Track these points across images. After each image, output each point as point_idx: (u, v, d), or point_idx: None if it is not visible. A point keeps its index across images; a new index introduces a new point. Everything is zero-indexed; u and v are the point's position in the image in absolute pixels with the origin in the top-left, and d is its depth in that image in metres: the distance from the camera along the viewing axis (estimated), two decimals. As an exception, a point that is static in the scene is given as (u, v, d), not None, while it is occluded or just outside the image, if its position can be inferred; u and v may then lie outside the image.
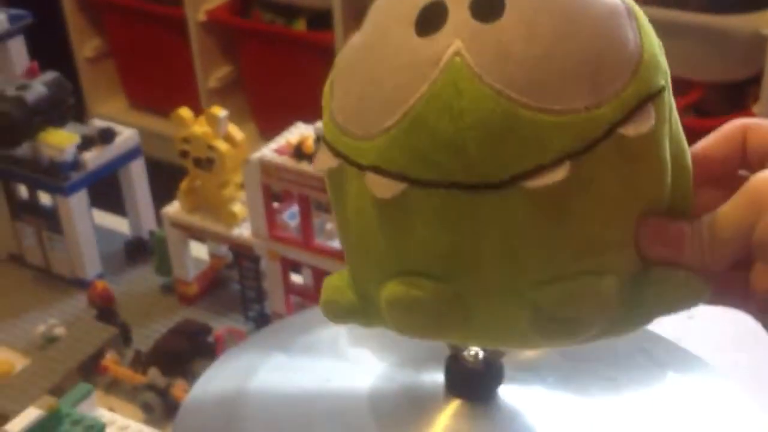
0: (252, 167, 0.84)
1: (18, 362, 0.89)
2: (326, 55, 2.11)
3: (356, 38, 0.36)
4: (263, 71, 2.31)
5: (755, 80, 1.63)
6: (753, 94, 1.66)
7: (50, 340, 0.91)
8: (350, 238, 0.37)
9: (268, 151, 0.83)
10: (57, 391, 0.84)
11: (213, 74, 2.34)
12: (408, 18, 0.33)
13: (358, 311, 0.38)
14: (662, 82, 0.34)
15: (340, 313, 0.38)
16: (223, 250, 0.98)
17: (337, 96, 0.36)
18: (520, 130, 0.31)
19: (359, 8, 2.05)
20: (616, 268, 0.34)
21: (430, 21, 0.33)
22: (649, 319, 0.36)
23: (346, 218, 0.36)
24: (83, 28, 2.50)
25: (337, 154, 0.35)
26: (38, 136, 0.93)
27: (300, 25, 2.19)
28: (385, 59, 0.33)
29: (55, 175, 0.93)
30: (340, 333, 0.49)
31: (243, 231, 0.89)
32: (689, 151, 0.36)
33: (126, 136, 0.98)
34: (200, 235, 0.95)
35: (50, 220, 0.98)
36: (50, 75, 0.96)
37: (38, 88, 0.93)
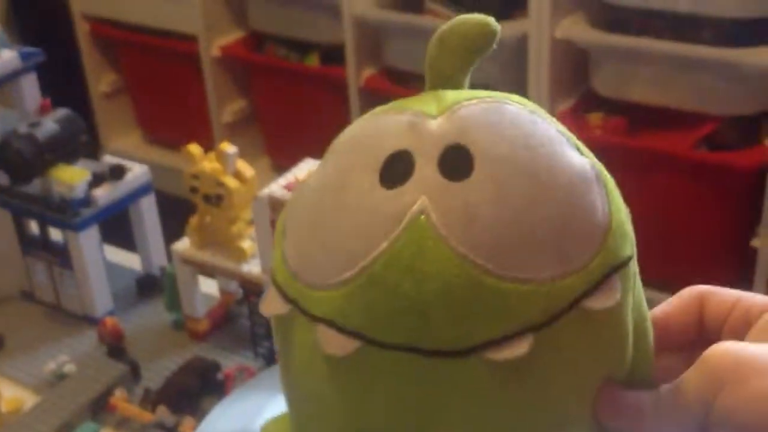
0: (261, 204, 0.83)
1: (28, 399, 0.89)
2: (339, 90, 2.12)
3: (314, 178, 0.34)
4: (277, 106, 2.32)
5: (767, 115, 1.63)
6: (766, 129, 1.65)
7: (60, 377, 0.91)
8: (296, 391, 0.35)
9: (277, 187, 0.83)
10: (66, 428, 0.84)
11: (227, 109, 2.36)
12: (373, 165, 0.32)
13: None
14: (629, 252, 0.33)
15: None
16: (233, 286, 0.98)
17: (291, 238, 0.34)
18: (485, 298, 0.30)
19: (372, 44, 2.06)
20: None
21: (395, 172, 0.31)
22: None
23: (293, 368, 0.34)
24: (98, 64, 2.53)
25: (287, 299, 0.33)
26: (49, 172, 0.94)
27: (313, 61, 2.20)
28: (345, 207, 0.32)
29: (66, 211, 0.93)
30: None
31: (252, 267, 0.89)
32: (650, 317, 0.35)
33: (137, 172, 0.98)
34: (210, 271, 0.94)
35: (61, 257, 0.98)
36: (62, 112, 0.96)
37: (50, 125, 0.93)
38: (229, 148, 0.88)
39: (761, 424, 0.30)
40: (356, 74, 2.06)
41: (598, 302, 0.31)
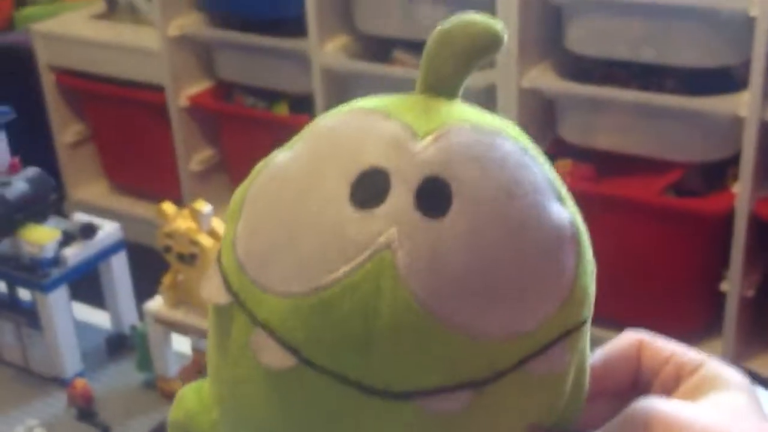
0: (236, 263, 0.82)
1: (-5, 466, 0.86)
2: (308, 139, 2.12)
3: (283, 159, 0.32)
4: (246, 154, 2.31)
5: (734, 160, 1.65)
6: (732, 174, 1.68)
7: (28, 442, 0.89)
8: (224, 379, 0.33)
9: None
10: (35, 497, 0.81)
11: (195, 157, 2.35)
12: (346, 175, 0.30)
13: None
14: (585, 315, 0.32)
15: None
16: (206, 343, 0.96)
17: (246, 223, 0.32)
18: (432, 348, 0.29)
19: (340, 93, 2.07)
20: None
21: (369, 190, 0.30)
22: None
23: (227, 356, 0.32)
24: (64, 115, 2.51)
25: (230, 290, 0.31)
26: (19, 232, 0.92)
27: (282, 109, 2.21)
28: (308, 214, 0.30)
29: (35, 271, 0.92)
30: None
31: (227, 326, 0.88)
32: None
33: (108, 230, 0.97)
34: (183, 330, 0.93)
35: (30, 317, 0.96)
36: (32, 171, 0.95)
37: (20, 184, 0.92)
38: (203, 206, 0.87)
39: None
40: (325, 123, 2.06)
41: (543, 367, 0.30)
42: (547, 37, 1.82)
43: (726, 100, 1.63)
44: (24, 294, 0.99)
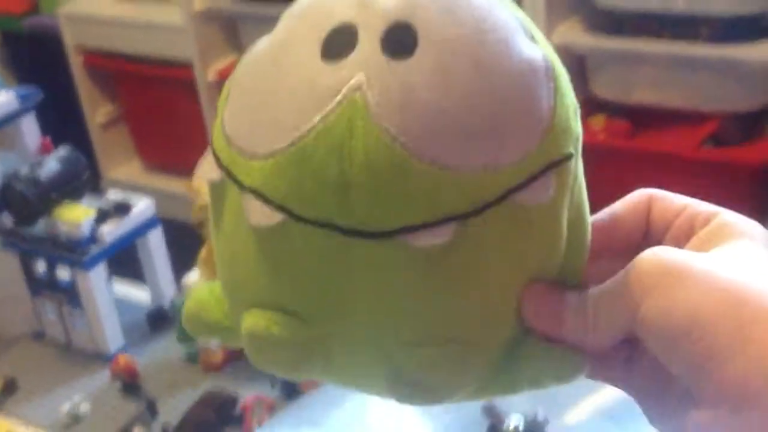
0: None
1: (44, 443, 0.87)
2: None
3: (262, 43, 0.33)
4: (275, 126, 2.32)
5: (771, 109, 1.62)
6: (770, 123, 1.65)
7: (76, 417, 0.90)
8: (224, 256, 0.34)
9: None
10: (84, 472, 0.82)
11: (225, 132, 2.35)
12: (316, 37, 0.31)
13: (222, 330, 0.35)
14: (570, 150, 0.31)
15: (202, 329, 0.36)
16: (246, 315, 0.97)
17: (231, 104, 0.33)
18: (410, 183, 0.29)
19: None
20: (490, 339, 0.32)
21: (338, 45, 0.30)
22: (520, 389, 0.33)
23: (223, 233, 0.33)
24: (94, 96, 2.52)
25: (221, 166, 0.32)
26: (54, 212, 0.93)
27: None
28: (283, 77, 0.31)
29: (73, 250, 0.92)
30: (371, 405, 0.47)
31: (265, 296, 0.88)
32: (590, 219, 0.34)
33: (142, 206, 0.97)
34: (222, 303, 0.93)
35: (70, 296, 0.97)
36: (63, 150, 0.95)
37: (52, 164, 0.93)
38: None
39: (682, 332, 0.28)
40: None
41: (529, 197, 0.30)
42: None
43: (760, 47, 1.59)
44: (62, 273, 1.00)
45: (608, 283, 0.31)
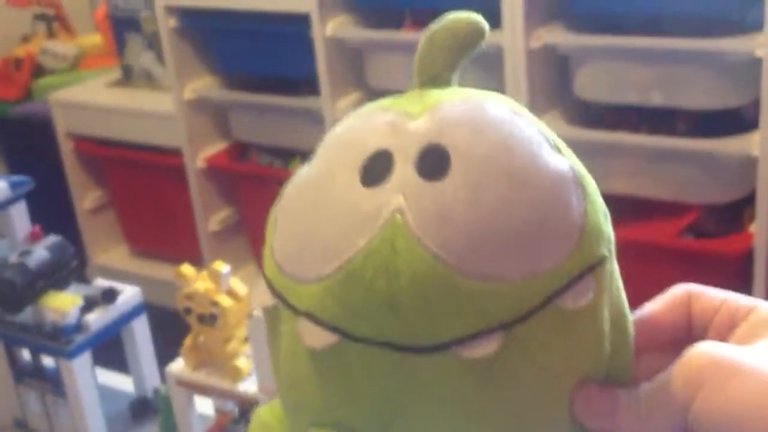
0: (257, 322, 0.83)
1: None
2: (324, 195, 2.14)
3: (304, 172, 0.35)
4: (263, 212, 2.29)
5: (749, 200, 1.65)
6: (748, 214, 1.68)
7: None
8: (282, 379, 0.36)
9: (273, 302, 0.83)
10: None
11: (213, 218, 2.37)
12: (354, 164, 0.33)
13: None
14: (604, 252, 0.33)
15: None
16: (229, 405, 0.97)
17: (279, 232, 0.35)
18: (455, 297, 0.30)
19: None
20: None
21: (375, 171, 0.32)
22: None
23: (280, 358, 0.35)
24: (83, 181, 2.55)
25: (274, 292, 0.34)
26: (41, 300, 0.94)
27: (297, 166, 2.22)
28: (327, 205, 0.33)
29: (58, 339, 0.93)
30: None
31: (249, 386, 0.88)
32: (632, 317, 0.35)
33: (128, 294, 0.98)
34: (206, 392, 0.93)
35: (54, 384, 0.97)
36: (52, 239, 0.97)
37: (40, 252, 0.94)
38: (222, 267, 0.88)
39: (737, 427, 0.29)
40: (340, 179, 2.08)
41: (570, 301, 0.32)
42: (555, 85, 1.84)
43: (737, 140, 1.63)
44: (47, 360, 1.00)
45: (659, 378, 0.32)
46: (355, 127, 0.35)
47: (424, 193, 0.31)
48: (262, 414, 0.38)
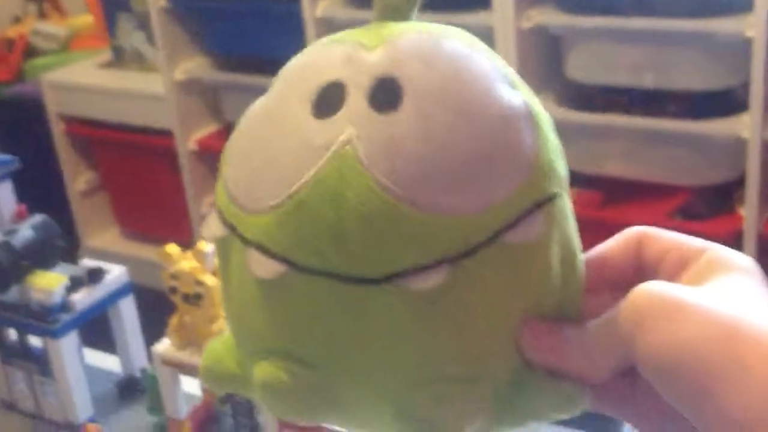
0: (241, 302, 0.83)
1: None
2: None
3: (258, 104, 0.35)
4: (254, 195, 2.33)
5: (739, 182, 1.65)
6: (738, 196, 1.68)
7: (41, 488, 0.89)
8: (232, 309, 0.36)
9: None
10: None
11: (205, 200, 2.36)
12: (308, 95, 0.33)
13: (237, 380, 0.37)
14: (555, 189, 0.33)
15: (218, 381, 0.37)
16: (216, 384, 0.97)
17: (232, 164, 0.35)
18: (402, 228, 0.31)
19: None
20: (493, 374, 0.33)
21: (328, 102, 0.32)
22: (522, 423, 0.35)
23: (230, 288, 0.35)
24: (75, 163, 2.54)
25: (225, 223, 0.34)
26: (26, 279, 0.93)
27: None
28: (279, 136, 0.33)
29: (44, 318, 0.92)
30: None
31: (234, 365, 0.88)
32: (583, 256, 0.35)
33: (115, 274, 0.98)
34: (192, 371, 0.93)
35: (41, 364, 0.97)
36: (38, 218, 0.96)
37: (26, 231, 0.93)
38: (206, 246, 0.88)
39: (677, 363, 0.29)
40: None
41: (517, 236, 0.32)
42: (546, 66, 1.84)
43: (728, 122, 1.63)
44: (34, 340, 1.00)
45: (604, 316, 0.32)
46: (310, 58, 0.35)
47: (375, 124, 0.31)
48: (214, 345, 0.38)
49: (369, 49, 0.33)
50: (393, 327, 0.32)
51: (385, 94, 0.32)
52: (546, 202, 0.33)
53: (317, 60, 0.34)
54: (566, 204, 0.34)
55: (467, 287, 0.31)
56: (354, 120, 0.32)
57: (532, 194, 0.32)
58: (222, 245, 0.35)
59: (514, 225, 0.32)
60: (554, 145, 0.34)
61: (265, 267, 0.32)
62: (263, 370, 0.34)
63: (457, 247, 0.31)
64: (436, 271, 0.31)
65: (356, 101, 0.32)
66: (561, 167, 0.34)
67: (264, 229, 0.32)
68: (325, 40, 0.35)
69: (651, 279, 0.33)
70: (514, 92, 0.33)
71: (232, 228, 0.34)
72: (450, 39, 0.34)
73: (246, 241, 0.33)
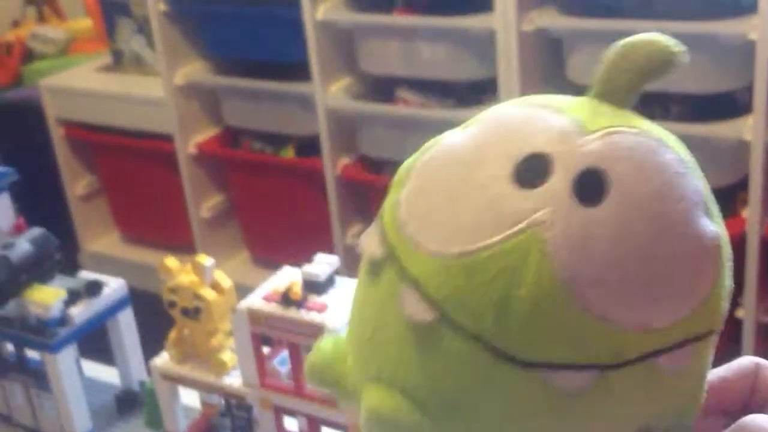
0: (240, 316, 0.82)
1: None
2: (315, 181, 2.13)
3: (453, 139, 0.34)
4: (254, 199, 2.33)
5: (742, 185, 1.64)
6: (741, 199, 1.67)
7: (40, 504, 0.88)
8: (364, 328, 0.35)
9: (256, 298, 0.82)
10: None
11: (204, 204, 2.36)
12: (513, 155, 0.32)
13: (338, 387, 0.37)
14: (715, 326, 0.33)
15: (320, 381, 0.38)
16: (215, 397, 0.96)
17: (411, 189, 0.34)
18: (567, 324, 0.30)
19: (346, 134, 2.08)
20: None
21: (530, 172, 0.32)
22: None
23: (368, 307, 0.35)
24: (74, 167, 2.53)
25: (387, 243, 0.34)
26: (24, 293, 0.92)
27: (288, 153, 2.22)
28: (471, 186, 0.32)
29: (42, 332, 0.92)
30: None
31: (233, 380, 0.88)
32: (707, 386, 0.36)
33: (114, 287, 0.97)
34: (191, 385, 0.92)
35: (38, 378, 0.96)
36: (36, 231, 0.95)
37: (23, 245, 0.93)
38: (205, 260, 0.87)
39: None
40: (332, 164, 2.07)
41: (666, 362, 0.32)
42: (548, 69, 1.83)
43: (731, 125, 1.62)
44: (31, 353, 0.99)
45: None
46: (523, 116, 0.34)
47: (572, 212, 0.31)
48: (325, 346, 0.38)
49: (587, 132, 0.32)
50: (523, 412, 0.32)
51: (591, 185, 0.31)
52: (703, 337, 0.33)
53: (529, 122, 0.33)
54: (716, 336, 0.34)
55: (606, 397, 0.31)
56: (553, 201, 0.31)
57: (694, 328, 0.32)
58: (376, 263, 0.35)
59: (667, 351, 0.32)
60: (728, 285, 0.34)
61: (417, 308, 0.32)
62: (380, 398, 0.34)
63: (609, 357, 0.31)
64: (584, 374, 0.31)
65: (560, 182, 0.31)
66: (725, 307, 0.34)
67: (427, 270, 0.32)
68: (539, 100, 0.35)
69: (760, 410, 0.34)
70: (711, 224, 0.33)
71: (392, 252, 0.33)
72: (668, 149, 0.33)
73: (405, 274, 0.33)
